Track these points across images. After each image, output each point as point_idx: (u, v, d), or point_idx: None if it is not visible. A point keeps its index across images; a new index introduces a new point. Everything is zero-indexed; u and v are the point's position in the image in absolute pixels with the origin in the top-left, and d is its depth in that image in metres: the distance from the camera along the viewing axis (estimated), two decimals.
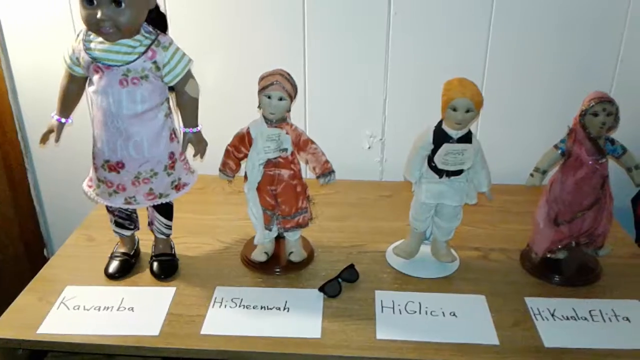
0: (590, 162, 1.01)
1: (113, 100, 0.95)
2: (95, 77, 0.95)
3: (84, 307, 1.01)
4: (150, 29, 0.96)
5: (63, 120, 1.03)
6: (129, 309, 1.01)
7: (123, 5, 0.88)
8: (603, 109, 0.97)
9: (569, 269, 1.09)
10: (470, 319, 0.99)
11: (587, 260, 1.12)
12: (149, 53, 0.94)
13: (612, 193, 1.07)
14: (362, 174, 1.49)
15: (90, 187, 1.06)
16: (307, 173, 1.22)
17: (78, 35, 0.96)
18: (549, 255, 1.10)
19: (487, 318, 0.99)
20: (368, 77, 1.40)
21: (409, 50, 1.36)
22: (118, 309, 1.01)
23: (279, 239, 1.16)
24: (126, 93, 0.94)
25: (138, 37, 0.94)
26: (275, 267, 1.12)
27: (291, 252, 1.13)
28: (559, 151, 1.04)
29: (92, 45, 0.94)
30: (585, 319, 0.99)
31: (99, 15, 0.88)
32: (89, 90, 0.97)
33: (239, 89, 1.30)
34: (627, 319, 0.99)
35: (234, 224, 1.26)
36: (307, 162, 1.08)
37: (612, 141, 1.03)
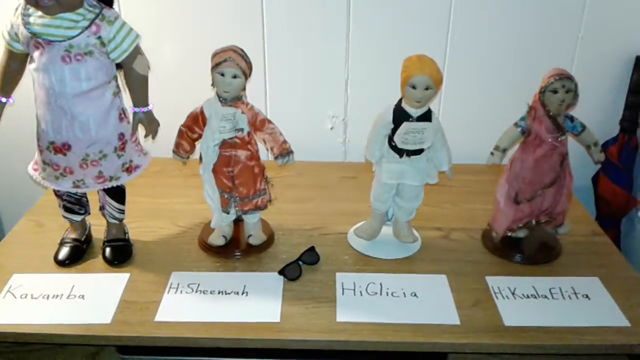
0: (549, 140, 1.00)
1: (56, 78, 0.90)
2: (36, 54, 0.90)
3: (32, 295, 0.97)
4: (94, 2, 0.91)
5: (3, 100, 0.97)
6: (79, 296, 0.97)
7: None
8: (562, 86, 0.97)
9: (529, 248, 1.09)
10: (431, 299, 0.98)
11: (548, 238, 1.11)
12: (93, 28, 0.89)
13: (572, 171, 1.07)
14: (325, 155, 1.46)
15: (35, 170, 1.01)
16: (267, 155, 1.18)
17: (17, 9, 0.91)
18: (509, 234, 1.09)
19: (448, 298, 0.98)
20: (329, 57, 1.36)
21: (371, 29, 1.33)
22: (68, 297, 0.96)
23: (238, 221, 1.13)
24: (69, 70, 0.89)
25: (81, 10, 0.89)
26: (234, 251, 1.09)
27: (250, 235, 1.10)
28: (519, 129, 1.03)
29: (32, 19, 0.88)
30: (546, 297, 0.99)
31: None
32: (30, 67, 0.92)
33: (194, 67, 1.25)
34: (587, 296, 0.99)
35: (191, 208, 1.22)
36: (264, 143, 1.05)
37: (572, 118, 1.03)
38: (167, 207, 1.24)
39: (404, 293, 0.99)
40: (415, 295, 0.99)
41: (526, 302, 0.98)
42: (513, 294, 0.99)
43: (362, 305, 0.96)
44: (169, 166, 1.35)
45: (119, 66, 0.96)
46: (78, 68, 0.89)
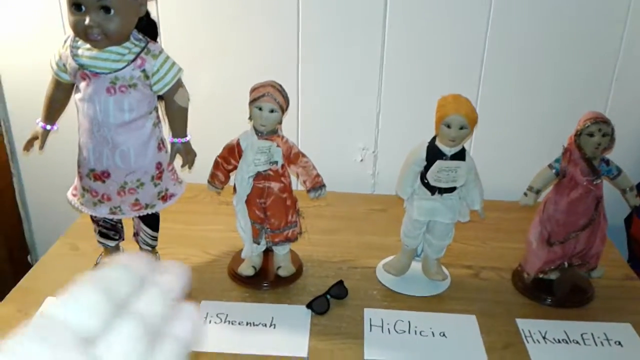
0: (584, 183, 1.00)
1: (100, 109, 0.92)
2: (82, 84, 0.93)
3: None
4: (140, 36, 0.94)
5: (48, 127, 1.01)
6: None
7: (112, 12, 0.86)
8: (599, 130, 0.96)
9: (561, 290, 1.07)
10: (460, 340, 0.97)
11: (580, 281, 1.10)
12: (138, 61, 0.92)
13: (606, 213, 1.06)
14: (354, 186, 1.47)
15: (74, 195, 1.03)
16: (298, 185, 1.20)
17: (65, 41, 0.94)
18: (541, 276, 1.08)
19: (478, 339, 0.97)
20: (362, 90, 1.38)
21: (403, 63, 1.34)
22: None
23: (268, 252, 1.14)
24: (113, 101, 0.92)
25: (127, 44, 0.92)
26: (263, 282, 1.10)
27: (279, 267, 1.10)
28: (553, 171, 1.02)
29: (80, 51, 0.92)
30: (577, 342, 0.97)
31: (87, 21, 0.86)
32: (76, 97, 0.95)
33: (232, 99, 1.28)
34: (619, 343, 0.97)
35: (223, 235, 1.23)
36: (297, 176, 1.06)
37: (608, 162, 1.02)
38: (199, 235, 1.25)
39: (432, 332, 0.98)
40: (444, 335, 0.98)
41: (557, 347, 0.96)
42: (544, 338, 0.98)
43: (390, 343, 0.96)
44: (203, 193, 1.36)
45: (160, 97, 0.98)
46: (122, 99, 0.92)
